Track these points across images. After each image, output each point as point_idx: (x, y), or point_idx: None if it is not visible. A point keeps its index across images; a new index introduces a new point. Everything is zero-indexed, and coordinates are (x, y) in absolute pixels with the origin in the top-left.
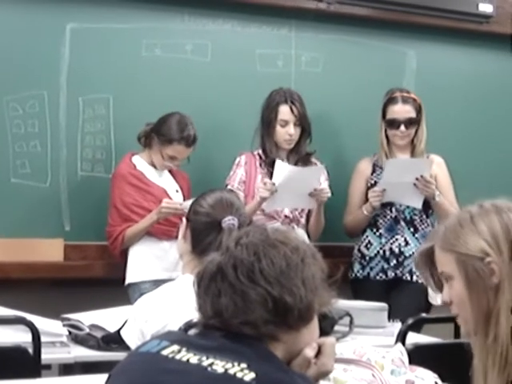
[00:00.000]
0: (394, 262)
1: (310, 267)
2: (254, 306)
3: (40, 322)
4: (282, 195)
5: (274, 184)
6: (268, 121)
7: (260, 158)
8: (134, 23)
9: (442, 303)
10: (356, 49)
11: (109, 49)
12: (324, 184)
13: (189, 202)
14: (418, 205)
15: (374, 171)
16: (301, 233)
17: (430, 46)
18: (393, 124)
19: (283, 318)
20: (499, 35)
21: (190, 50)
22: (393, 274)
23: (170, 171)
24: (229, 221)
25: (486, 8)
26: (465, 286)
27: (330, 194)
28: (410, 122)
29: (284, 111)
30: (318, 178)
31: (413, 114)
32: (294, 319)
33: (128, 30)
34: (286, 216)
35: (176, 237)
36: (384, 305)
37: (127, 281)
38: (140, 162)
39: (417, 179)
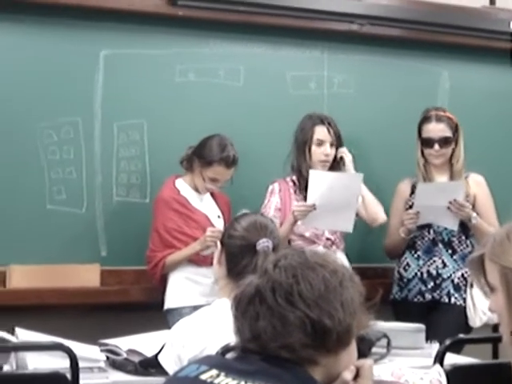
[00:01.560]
0: (432, 284)
1: (349, 290)
2: (293, 329)
3: (77, 347)
4: (320, 210)
5: (312, 205)
6: (303, 141)
7: (294, 184)
8: (167, 49)
9: (488, 309)
10: (388, 70)
11: (142, 74)
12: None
13: None
14: (454, 227)
15: (412, 192)
16: (341, 256)
17: (463, 66)
18: (427, 143)
19: (322, 342)
20: None
21: (223, 74)
22: (430, 297)
23: (213, 195)
24: (263, 243)
25: None
26: (505, 299)
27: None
28: (445, 141)
29: (320, 131)
30: (358, 186)
31: (448, 133)
32: (332, 343)
33: (161, 55)
34: (327, 238)
35: (211, 263)
36: (421, 326)
37: (166, 306)
38: (183, 186)
39: (450, 203)
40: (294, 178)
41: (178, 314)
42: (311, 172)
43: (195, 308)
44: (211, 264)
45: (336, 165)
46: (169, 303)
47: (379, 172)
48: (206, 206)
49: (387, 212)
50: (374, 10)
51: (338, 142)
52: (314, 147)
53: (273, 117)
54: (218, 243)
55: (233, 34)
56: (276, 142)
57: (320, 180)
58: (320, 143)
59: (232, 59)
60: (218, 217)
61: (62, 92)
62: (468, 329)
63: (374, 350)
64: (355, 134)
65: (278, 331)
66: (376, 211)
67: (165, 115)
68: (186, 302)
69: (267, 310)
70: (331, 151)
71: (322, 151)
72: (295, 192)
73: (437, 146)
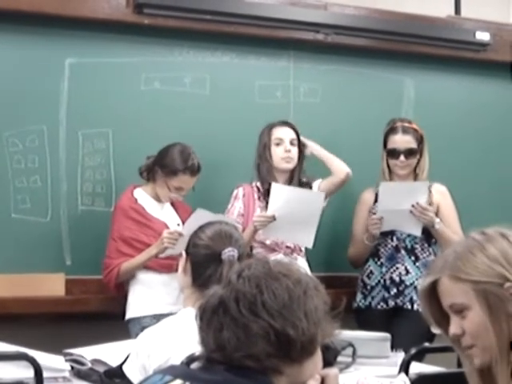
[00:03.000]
0: (395, 290)
1: (313, 299)
2: (257, 339)
3: (42, 357)
4: (280, 222)
5: (271, 216)
6: (263, 145)
7: (258, 190)
8: (133, 57)
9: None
10: (354, 79)
11: (108, 83)
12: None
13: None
14: (418, 232)
15: (376, 201)
16: (302, 263)
17: (428, 75)
18: (393, 154)
19: (286, 351)
20: (496, 63)
21: (189, 82)
22: (393, 303)
23: (173, 204)
24: (228, 252)
25: (483, 36)
26: (486, 314)
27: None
28: (410, 153)
29: (278, 131)
30: (319, 204)
31: (413, 145)
32: (297, 352)
33: (127, 63)
34: (287, 247)
35: (176, 270)
36: (387, 335)
37: (127, 316)
38: (142, 195)
39: (413, 206)
40: (258, 183)
41: (138, 323)
42: (273, 185)
43: (155, 317)
44: (175, 271)
45: (300, 168)
46: (129, 313)
47: None
48: (166, 214)
49: (351, 221)
50: (340, 20)
51: (299, 141)
52: (273, 147)
53: (239, 126)
54: (183, 252)
55: (199, 43)
56: (242, 150)
57: (281, 193)
58: (279, 142)
59: (198, 68)
60: (178, 225)
61: (28, 100)
62: (431, 335)
63: (339, 359)
64: (321, 142)
65: (242, 341)
66: (339, 163)
67: (130, 124)
68: (146, 311)
69: (231, 321)
70: (292, 148)
71: (282, 149)
72: (259, 198)
73: (402, 158)
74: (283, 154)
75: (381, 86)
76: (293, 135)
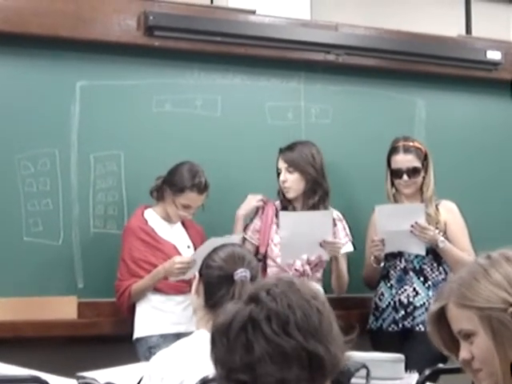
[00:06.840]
0: (403, 312)
1: (335, 323)
2: (291, 361)
3: (55, 380)
4: (292, 246)
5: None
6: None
7: (276, 209)
8: (144, 79)
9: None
10: (365, 99)
11: (119, 105)
12: (341, 233)
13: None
14: (422, 251)
15: None
16: (316, 287)
17: (439, 95)
18: (396, 173)
19: (316, 374)
20: (508, 82)
21: (200, 104)
22: (401, 325)
23: (184, 225)
24: (241, 273)
25: (494, 55)
26: (491, 340)
27: (341, 248)
28: (414, 171)
29: (279, 160)
30: (328, 223)
31: (416, 163)
32: (324, 374)
33: (138, 86)
34: (296, 269)
35: (189, 291)
36: (400, 356)
37: (135, 335)
38: (152, 216)
39: (412, 226)
40: (277, 202)
41: (145, 343)
42: (281, 213)
43: (162, 336)
44: (180, 293)
45: (309, 192)
46: (137, 333)
47: (356, 201)
48: (176, 236)
49: (362, 241)
50: (351, 40)
51: (297, 167)
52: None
53: (251, 147)
54: (197, 273)
55: (210, 65)
56: (253, 172)
57: (289, 220)
58: (280, 172)
59: (209, 90)
60: (188, 247)
61: (39, 123)
62: (444, 357)
63: (353, 380)
64: (333, 163)
65: (275, 362)
66: (339, 289)
67: (142, 146)
68: (153, 330)
69: (262, 339)
70: (287, 177)
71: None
72: (276, 216)
73: (405, 177)
74: (281, 185)
75: (392, 106)
76: (288, 162)
